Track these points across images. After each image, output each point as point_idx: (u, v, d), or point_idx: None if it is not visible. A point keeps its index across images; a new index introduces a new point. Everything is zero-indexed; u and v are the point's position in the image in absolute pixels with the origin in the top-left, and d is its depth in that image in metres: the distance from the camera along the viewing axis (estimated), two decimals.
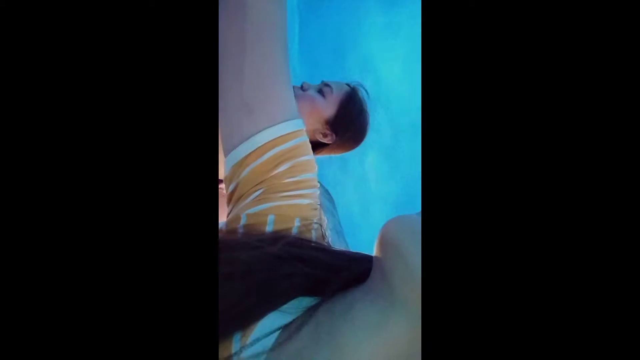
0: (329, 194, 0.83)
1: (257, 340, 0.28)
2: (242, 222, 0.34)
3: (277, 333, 0.28)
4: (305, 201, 0.35)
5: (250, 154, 0.34)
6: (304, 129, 0.36)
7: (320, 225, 0.36)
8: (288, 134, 0.35)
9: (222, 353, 0.27)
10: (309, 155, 0.36)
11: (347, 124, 0.95)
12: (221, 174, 0.42)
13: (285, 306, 0.29)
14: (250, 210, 0.34)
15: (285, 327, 0.28)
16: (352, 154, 1.03)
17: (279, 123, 0.34)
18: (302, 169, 0.35)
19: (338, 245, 0.37)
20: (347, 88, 0.96)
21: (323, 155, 1.00)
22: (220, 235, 0.34)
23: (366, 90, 0.98)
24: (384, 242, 0.28)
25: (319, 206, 0.36)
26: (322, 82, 0.96)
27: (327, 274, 0.31)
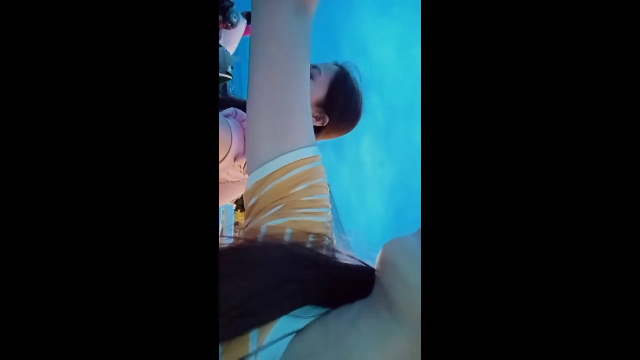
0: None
1: (272, 343, 0.31)
2: (263, 232, 0.38)
3: (290, 337, 0.32)
4: (320, 219, 0.40)
5: (273, 172, 0.39)
6: (320, 155, 0.41)
7: (332, 241, 0.40)
8: (306, 157, 0.40)
9: (238, 352, 0.31)
10: (324, 178, 0.41)
11: (339, 104, 0.92)
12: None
13: (297, 311, 0.33)
14: (271, 223, 0.39)
15: (298, 332, 0.32)
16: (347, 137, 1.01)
17: (300, 148, 0.39)
18: (317, 190, 0.40)
19: (338, 244, 0.41)
20: (336, 68, 0.94)
21: (319, 140, 0.99)
22: (240, 242, 0.39)
23: (357, 68, 0.96)
24: (383, 263, 0.32)
25: (330, 224, 0.41)
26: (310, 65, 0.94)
27: (334, 284, 0.35)
